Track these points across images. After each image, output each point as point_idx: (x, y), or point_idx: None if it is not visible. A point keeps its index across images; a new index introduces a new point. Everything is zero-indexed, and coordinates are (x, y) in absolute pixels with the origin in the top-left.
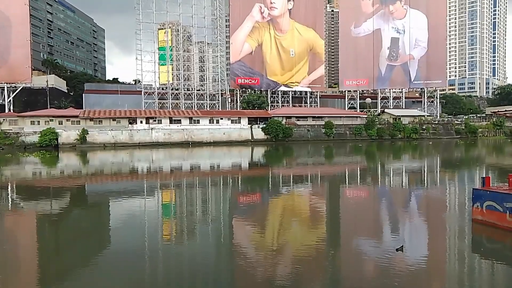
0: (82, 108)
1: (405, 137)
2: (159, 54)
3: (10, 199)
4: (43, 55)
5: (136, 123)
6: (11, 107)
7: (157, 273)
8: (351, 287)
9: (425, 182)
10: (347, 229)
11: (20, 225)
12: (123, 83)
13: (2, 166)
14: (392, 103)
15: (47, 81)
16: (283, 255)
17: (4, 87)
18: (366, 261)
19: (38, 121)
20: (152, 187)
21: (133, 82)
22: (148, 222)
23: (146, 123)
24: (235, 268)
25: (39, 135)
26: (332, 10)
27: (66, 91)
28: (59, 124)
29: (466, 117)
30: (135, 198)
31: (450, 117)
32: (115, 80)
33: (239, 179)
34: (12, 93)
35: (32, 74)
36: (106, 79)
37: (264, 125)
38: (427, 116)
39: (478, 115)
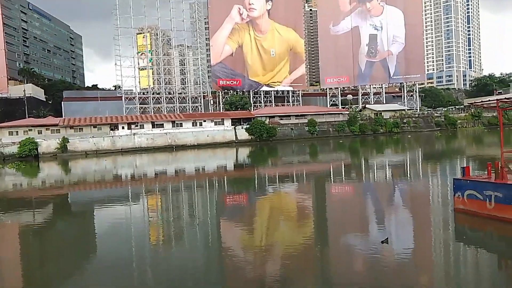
0: (62, 117)
1: (387, 131)
2: (144, 58)
3: None
4: (19, 64)
5: (118, 129)
6: None
7: (146, 279)
8: (339, 280)
9: (408, 175)
10: (333, 225)
11: (3, 238)
12: (103, 89)
13: None
14: (373, 99)
15: (24, 91)
16: (272, 253)
17: None
18: (353, 254)
19: (17, 132)
20: (137, 193)
21: (113, 88)
22: (135, 228)
23: (128, 129)
24: (225, 269)
25: (18, 145)
26: (311, 10)
27: (45, 99)
28: (38, 133)
29: (445, 109)
30: (120, 205)
31: (430, 110)
32: (94, 87)
33: (225, 181)
34: None
35: (8, 84)
36: (86, 86)
37: (248, 126)
38: (408, 110)
39: (457, 107)
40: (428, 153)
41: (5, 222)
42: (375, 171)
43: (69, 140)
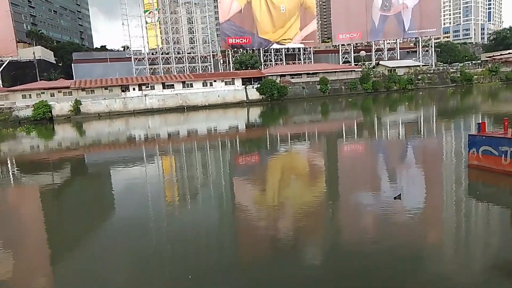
0: (72, 79)
1: (401, 88)
2: (151, 17)
3: (11, 174)
4: (27, 26)
5: (129, 91)
6: (0, 82)
7: (162, 237)
8: (351, 237)
9: (421, 132)
10: (345, 182)
11: (24, 199)
12: (111, 50)
13: None
14: (387, 55)
15: (33, 53)
16: (284, 211)
17: None
18: (365, 211)
19: (30, 95)
20: (151, 153)
21: (122, 49)
22: (150, 188)
23: (139, 90)
24: (238, 227)
25: (32, 108)
26: None
27: (55, 62)
28: (51, 96)
29: (462, 64)
30: (135, 165)
31: (446, 66)
32: (103, 48)
33: (237, 141)
34: None
35: (17, 47)
36: (94, 47)
37: (259, 85)
38: (422, 66)
39: (474, 62)
40: (442, 110)
41: (25, 183)
42: (388, 129)
43: (82, 103)
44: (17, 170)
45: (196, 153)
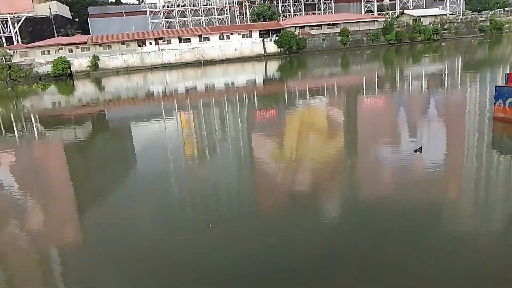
0: (89, 34)
1: (426, 39)
2: None
3: (35, 129)
4: None
5: (146, 46)
6: (19, 39)
7: (183, 190)
8: (369, 190)
9: (445, 84)
10: (365, 136)
11: (48, 153)
12: (126, 4)
13: (21, 98)
14: (412, 3)
15: (49, 9)
16: (302, 165)
17: (7, 19)
18: (384, 164)
19: (48, 51)
20: (170, 109)
21: (137, 2)
22: (170, 143)
23: (155, 45)
24: (257, 180)
25: (52, 65)
26: None
27: (71, 17)
28: (69, 52)
29: (492, 12)
30: (155, 121)
31: (474, 14)
32: (118, 2)
33: (255, 96)
34: (17, 24)
35: (33, 2)
36: (109, 1)
37: (277, 38)
38: (449, 15)
39: (506, 9)
40: (468, 61)
41: (49, 139)
42: (410, 81)
43: (99, 58)
44: (40, 125)
45: (214, 108)
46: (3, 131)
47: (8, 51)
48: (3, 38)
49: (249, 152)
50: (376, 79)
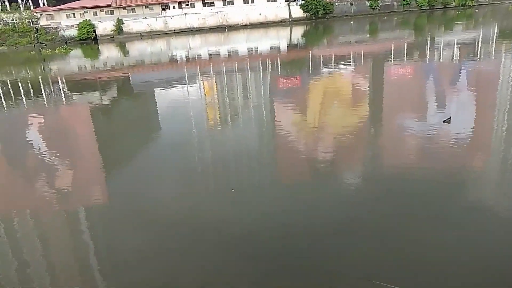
0: None
1: (460, 5)
2: None
3: (62, 93)
4: None
5: (169, 9)
6: (45, 1)
7: (205, 156)
8: (393, 160)
9: (478, 54)
10: (391, 106)
11: (76, 116)
12: None
13: (48, 61)
14: None
15: None
16: (325, 133)
17: None
18: (410, 134)
19: (74, 14)
20: (193, 74)
21: None
22: (193, 108)
23: (179, 8)
24: (278, 147)
25: (77, 28)
26: None
27: None
28: (93, 15)
29: None
30: (178, 86)
31: None
32: None
33: (278, 62)
34: None
35: None
36: None
37: (302, 2)
38: None
39: None
40: (504, 29)
41: (76, 102)
42: (441, 50)
43: (124, 22)
44: (67, 89)
45: (237, 75)
46: (32, 94)
47: (34, 13)
48: (29, 1)
49: (271, 119)
50: (405, 47)
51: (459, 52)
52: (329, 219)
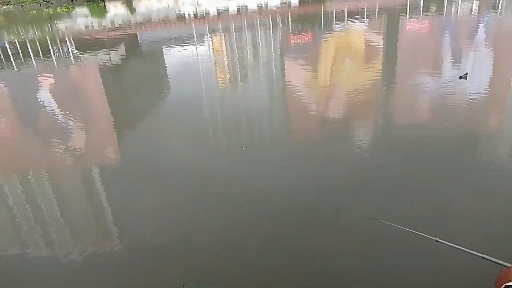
0: None
1: None
2: None
3: (71, 53)
4: None
5: None
6: None
7: (215, 115)
8: (406, 118)
9: (499, 8)
10: (405, 62)
11: (85, 76)
12: None
13: (55, 20)
14: None
15: None
16: (336, 91)
17: None
18: (424, 91)
19: None
20: (201, 32)
21: None
22: (202, 67)
23: None
24: (289, 105)
25: None
26: None
27: None
28: None
29: None
30: (186, 45)
31: None
32: None
33: (289, 18)
34: None
35: None
36: None
37: None
38: None
39: None
40: None
41: (85, 62)
42: (459, 3)
43: None
44: (75, 48)
45: (246, 32)
46: (41, 54)
47: None
48: None
49: (281, 77)
50: (421, 0)
51: (478, 5)
52: (340, 174)
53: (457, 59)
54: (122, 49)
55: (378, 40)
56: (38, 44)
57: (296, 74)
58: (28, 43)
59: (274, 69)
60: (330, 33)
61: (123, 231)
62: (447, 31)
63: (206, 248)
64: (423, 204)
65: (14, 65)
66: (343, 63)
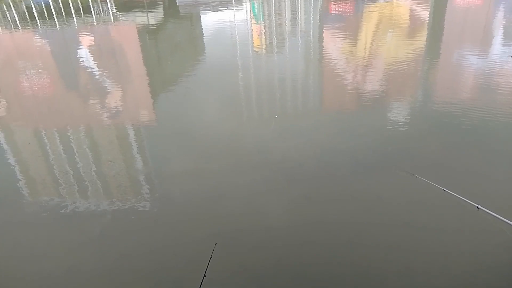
0: None
1: None
2: None
3: (110, 12)
4: None
5: None
6: None
7: (249, 82)
8: (448, 95)
9: None
10: (452, 38)
11: (124, 36)
12: None
13: None
14: None
15: None
16: (375, 64)
17: None
18: (470, 69)
19: None
20: None
21: None
22: (238, 32)
23: None
24: (324, 77)
25: None
26: None
27: None
28: None
29: None
30: (224, 8)
31: None
32: None
33: None
34: None
35: None
36: None
37: None
38: None
39: None
40: None
41: (123, 22)
42: None
43: None
44: (115, 8)
45: None
46: (82, 13)
47: None
48: None
49: (319, 46)
50: None
51: None
52: (374, 148)
53: (509, 36)
54: (160, 10)
55: (424, 12)
56: (79, 2)
57: (334, 44)
58: (70, 1)
59: (312, 38)
60: (374, 3)
61: (156, 189)
62: (501, 5)
63: (236, 211)
64: (464, 172)
65: (56, 22)
66: (384, 35)
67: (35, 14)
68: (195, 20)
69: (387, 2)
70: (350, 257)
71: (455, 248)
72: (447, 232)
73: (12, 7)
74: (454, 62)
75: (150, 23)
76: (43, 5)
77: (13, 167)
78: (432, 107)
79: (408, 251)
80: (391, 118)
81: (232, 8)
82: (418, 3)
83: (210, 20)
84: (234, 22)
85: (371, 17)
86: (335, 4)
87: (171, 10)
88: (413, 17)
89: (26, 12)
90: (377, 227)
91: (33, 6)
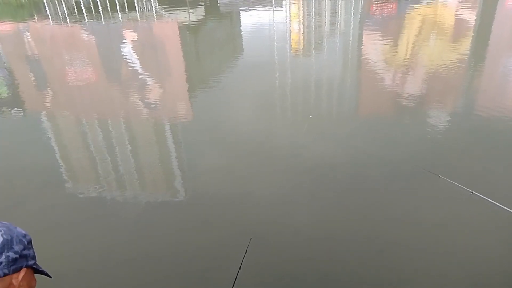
0: None
1: None
2: None
3: (153, 8)
4: None
5: None
6: None
7: (285, 82)
8: (489, 103)
9: None
10: (499, 43)
11: (166, 33)
12: None
13: None
14: None
15: None
16: (415, 68)
17: None
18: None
19: None
20: None
21: None
22: (277, 32)
23: None
24: (361, 80)
25: None
26: None
27: None
28: None
29: None
30: (264, 8)
31: None
32: None
33: None
34: None
35: None
36: None
37: None
38: None
39: None
40: None
41: (166, 18)
42: None
43: None
44: (158, 5)
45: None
46: (126, 9)
47: None
48: None
49: (358, 48)
50: None
51: None
52: (407, 152)
53: None
54: (201, 8)
55: (471, 15)
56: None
57: (374, 47)
58: None
59: (351, 40)
60: (418, 4)
61: (190, 184)
62: None
63: (269, 208)
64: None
65: (102, 17)
66: (427, 39)
67: (83, 9)
68: (235, 19)
69: (431, 3)
70: (380, 260)
71: (483, 252)
72: (476, 236)
73: (62, 2)
74: (500, 70)
75: (191, 20)
76: (90, 0)
77: (56, 153)
78: (471, 117)
79: (440, 254)
80: (428, 125)
81: (272, 8)
82: (464, 5)
83: (249, 19)
84: (273, 22)
85: (414, 19)
86: (376, 5)
87: (212, 8)
88: (459, 20)
89: (75, 7)
90: (412, 237)
91: (81, 1)
